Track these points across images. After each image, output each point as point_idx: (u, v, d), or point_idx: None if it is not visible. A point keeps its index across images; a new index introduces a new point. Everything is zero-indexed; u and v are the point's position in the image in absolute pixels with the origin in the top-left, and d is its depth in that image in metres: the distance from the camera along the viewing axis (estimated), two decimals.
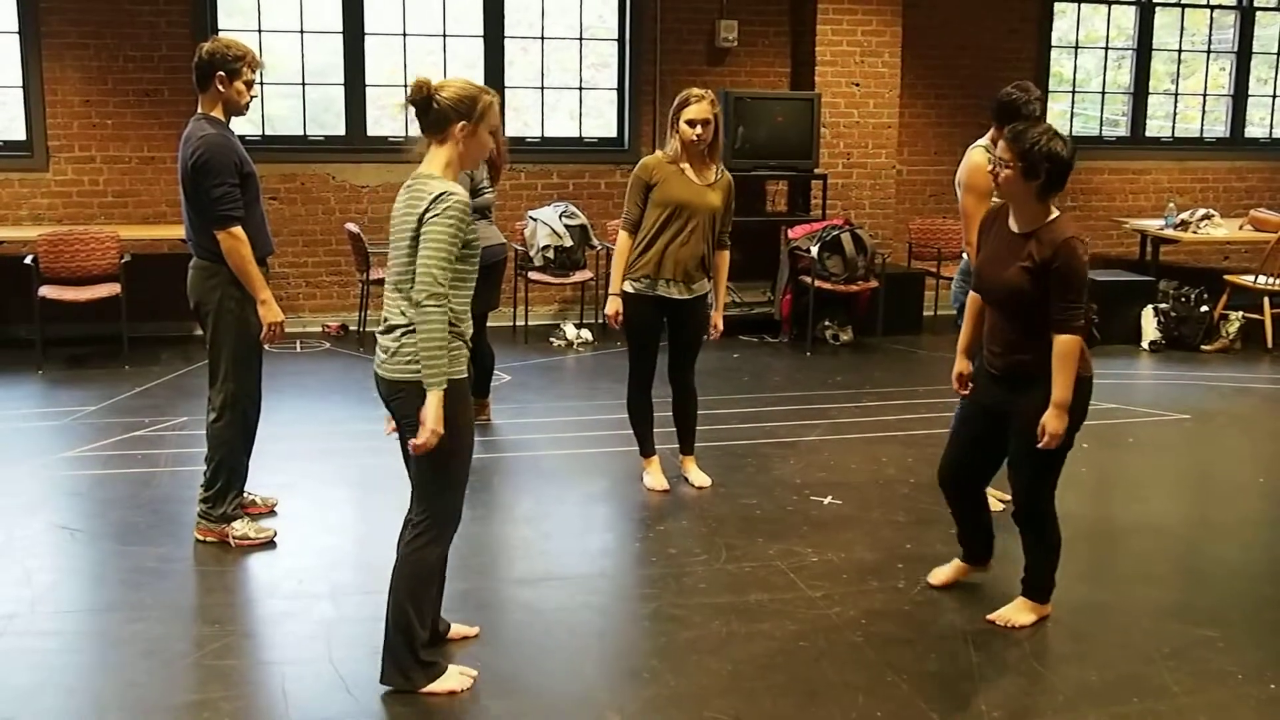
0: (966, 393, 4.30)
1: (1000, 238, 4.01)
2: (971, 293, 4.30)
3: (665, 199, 5.21)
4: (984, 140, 5.05)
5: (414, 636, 3.53)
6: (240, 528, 4.76)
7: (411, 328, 3.33)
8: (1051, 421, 3.84)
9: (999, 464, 4.25)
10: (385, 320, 3.45)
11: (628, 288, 5.30)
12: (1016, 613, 4.16)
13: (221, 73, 4.56)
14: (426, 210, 3.28)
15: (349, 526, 5.16)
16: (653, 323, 5.34)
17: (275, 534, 4.80)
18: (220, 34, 4.87)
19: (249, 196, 4.62)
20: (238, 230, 4.51)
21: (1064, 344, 3.81)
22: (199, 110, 4.65)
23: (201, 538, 4.76)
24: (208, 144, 4.49)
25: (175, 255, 7.26)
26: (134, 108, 8.49)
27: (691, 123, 5.13)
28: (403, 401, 3.40)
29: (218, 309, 4.61)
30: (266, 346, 4.75)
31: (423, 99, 3.33)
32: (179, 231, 7.82)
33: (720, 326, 5.47)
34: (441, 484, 3.47)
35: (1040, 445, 3.87)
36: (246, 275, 4.56)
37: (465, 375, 3.42)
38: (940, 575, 4.50)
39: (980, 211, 4.85)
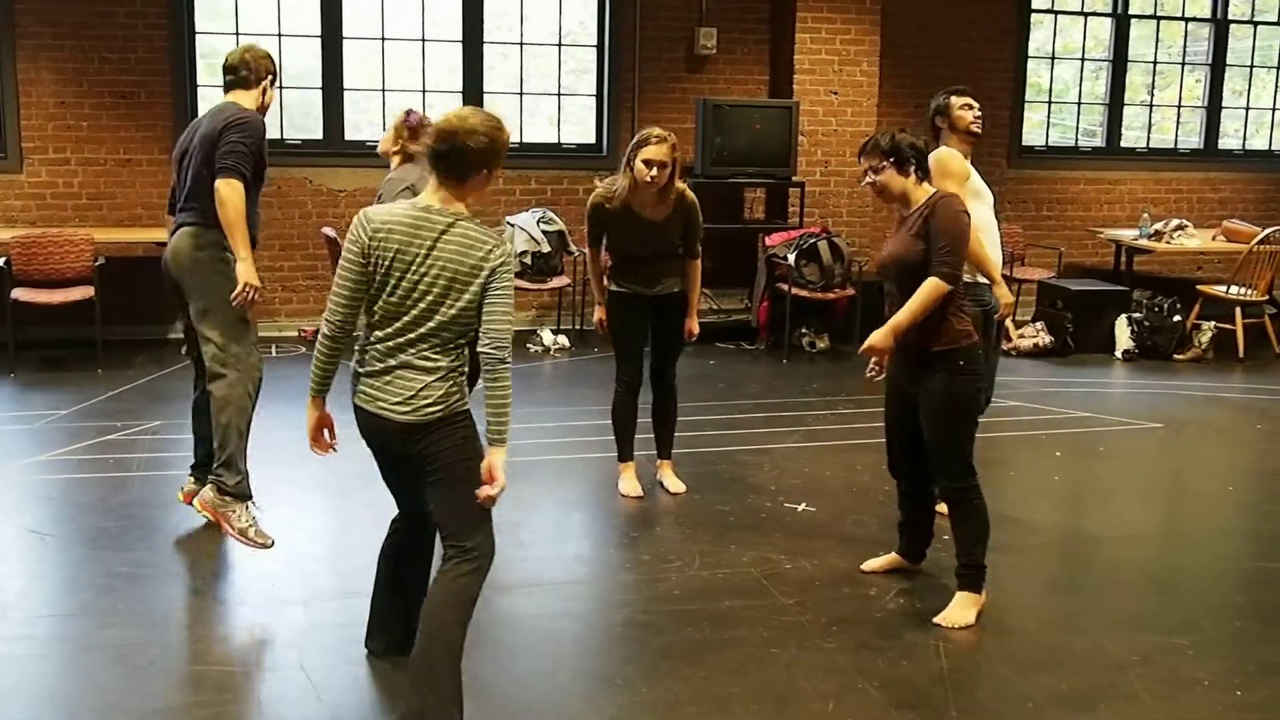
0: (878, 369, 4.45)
1: (895, 231, 4.33)
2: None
3: (617, 247, 5.31)
4: (940, 149, 5.13)
5: (458, 667, 3.34)
6: (243, 519, 4.61)
7: (442, 372, 3.27)
8: (876, 336, 4.16)
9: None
10: (390, 362, 3.31)
11: (612, 286, 5.35)
12: (959, 611, 4.24)
13: (270, 77, 4.77)
14: (494, 263, 3.23)
15: (323, 532, 5.15)
16: (638, 317, 5.39)
17: (273, 544, 4.63)
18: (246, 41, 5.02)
19: (256, 188, 4.71)
20: (239, 184, 4.55)
21: (929, 284, 4.06)
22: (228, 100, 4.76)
23: (198, 509, 4.67)
24: (253, 117, 4.66)
25: (150, 258, 7.23)
26: (109, 110, 8.45)
27: (649, 163, 5.02)
28: (432, 442, 3.31)
29: (206, 262, 4.62)
30: (236, 306, 4.66)
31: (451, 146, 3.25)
32: (154, 234, 7.86)
33: (694, 331, 5.46)
34: (484, 514, 3.38)
35: (860, 350, 4.21)
36: (236, 228, 4.56)
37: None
38: (873, 563, 4.68)
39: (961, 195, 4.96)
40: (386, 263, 3.27)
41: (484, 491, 3.25)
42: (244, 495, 4.69)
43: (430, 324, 3.27)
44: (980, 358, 4.29)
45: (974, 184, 5.12)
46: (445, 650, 3.30)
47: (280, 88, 8.73)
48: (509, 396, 3.24)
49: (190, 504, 4.94)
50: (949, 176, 4.99)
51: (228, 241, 4.60)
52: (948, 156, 5.05)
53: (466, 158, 3.25)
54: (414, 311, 3.27)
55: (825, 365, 8.49)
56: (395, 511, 3.71)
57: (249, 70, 4.73)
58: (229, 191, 4.53)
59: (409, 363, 3.28)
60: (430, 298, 3.25)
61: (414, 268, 3.25)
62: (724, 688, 3.73)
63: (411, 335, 3.29)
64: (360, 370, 3.38)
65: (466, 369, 3.35)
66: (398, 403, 3.29)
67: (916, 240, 4.13)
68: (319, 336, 3.44)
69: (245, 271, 4.59)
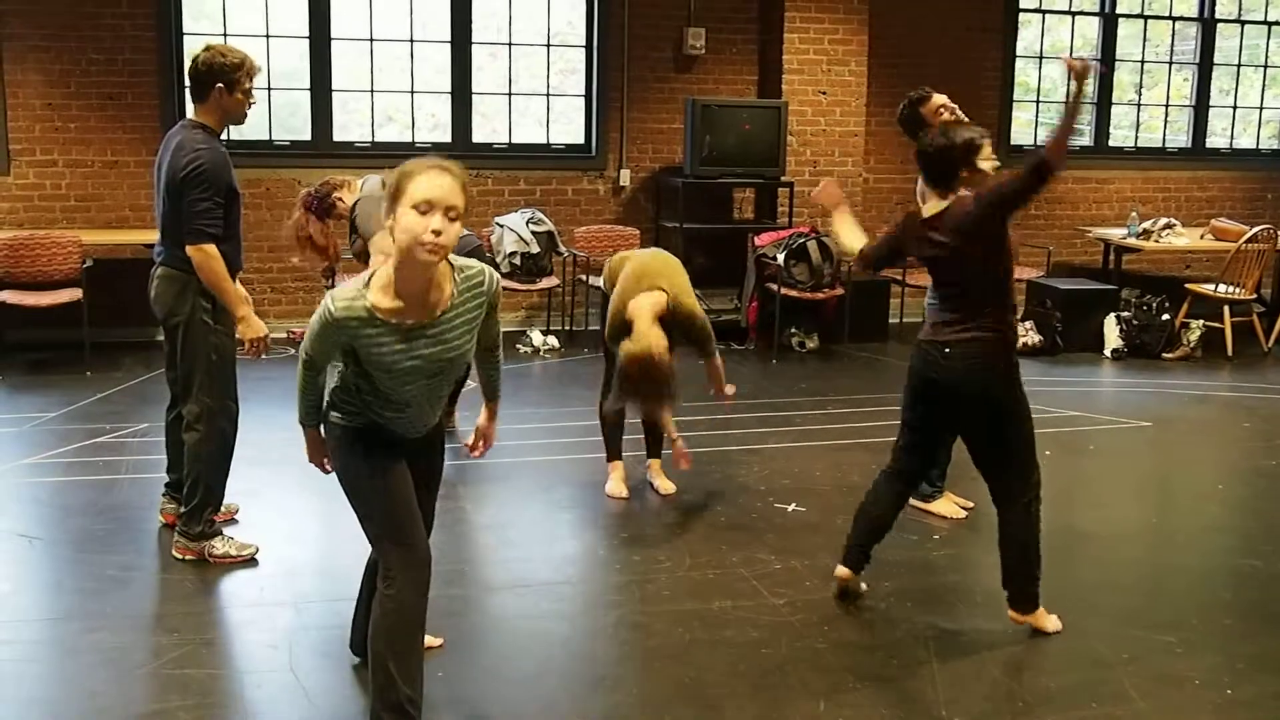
0: None
1: None
2: None
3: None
4: None
5: (393, 690, 3.18)
6: (220, 546, 4.62)
7: (335, 378, 3.35)
8: None
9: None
10: None
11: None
12: None
13: (220, 84, 4.46)
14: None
15: (311, 534, 5.13)
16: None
17: (257, 550, 4.67)
18: (216, 41, 4.81)
19: (233, 215, 4.56)
20: (210, 248, 4.42)
21: None
22: (190, 117, 4.59)
23: (180, 556, 4.62)
24: (207, 158, 4.40)
25: (138, 260, 7.20)
26: (97, 111, 8.42)
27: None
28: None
29: (189, 320, 4.53)
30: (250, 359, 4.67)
31: None
32: (142, 236, 7.83)
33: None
34: (378, 530, 3.33)
35: None
36: (223, 291, 4.48)
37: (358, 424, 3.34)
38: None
39: None
40: None
41: None
42: (208, 537, 4.63)
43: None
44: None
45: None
46: (381, 671, 3.20)
47: (268, 89, 8.75)
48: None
49: (174, 525, 4.92)
50: None
51: (205, 288, 4.50)
52: None
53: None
54: None
55: (815, 365, 8.49)
56: None
57: (196, 80, 4.50)
58: (202, 258, 4.41)
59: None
60: None
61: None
62: (715, 688, 3.73)
63: None
64: None
65: (346, 382, 3.27)
66: None
67: None
68: None
69: (247, 330, 4.54)
